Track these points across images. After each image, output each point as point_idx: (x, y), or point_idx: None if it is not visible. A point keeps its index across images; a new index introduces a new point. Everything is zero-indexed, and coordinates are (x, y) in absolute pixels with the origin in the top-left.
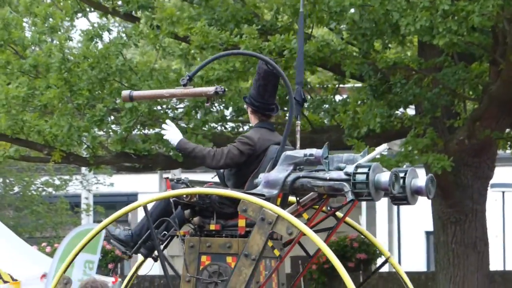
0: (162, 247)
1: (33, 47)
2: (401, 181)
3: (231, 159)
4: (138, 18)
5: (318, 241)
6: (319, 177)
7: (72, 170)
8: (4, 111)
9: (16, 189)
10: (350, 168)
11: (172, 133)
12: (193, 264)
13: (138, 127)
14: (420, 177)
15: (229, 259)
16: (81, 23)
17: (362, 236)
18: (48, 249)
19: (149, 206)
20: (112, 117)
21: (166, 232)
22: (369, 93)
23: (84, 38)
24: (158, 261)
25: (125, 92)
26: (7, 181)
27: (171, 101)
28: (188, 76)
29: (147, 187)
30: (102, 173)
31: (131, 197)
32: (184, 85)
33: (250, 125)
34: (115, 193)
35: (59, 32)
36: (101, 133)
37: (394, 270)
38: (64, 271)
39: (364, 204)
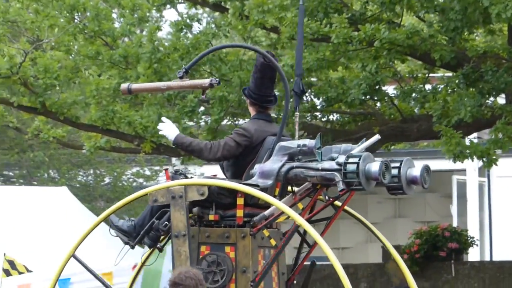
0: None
1: (123, 38)
2: (396, 170)
3: (228, 151)
4: (227, 8)
5: (312, 232)
6: (311, 167)
7: (162, 160)
8: (95, 102)
9: (107, 180)
10: (341, 158)
11: (168, 129)
12: (193, 254)
13: (228, 117)
14: (416, 167)
15: (227, 248)
16: (170, 14)
17: (454, 226)
18: None
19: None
20: (202, 108)
21: (167, 223)
22: (461, 81)
23: (173, 28)
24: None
25: (124, 85)
26: (98, 172)
27: None
28: (185, 69)
29: None
30: (192, 164)
31: None
32: (181, 78)
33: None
34: None
35: (148, 24)
36: (191, 123)
37: (486, 259)
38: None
39: (455, 193)
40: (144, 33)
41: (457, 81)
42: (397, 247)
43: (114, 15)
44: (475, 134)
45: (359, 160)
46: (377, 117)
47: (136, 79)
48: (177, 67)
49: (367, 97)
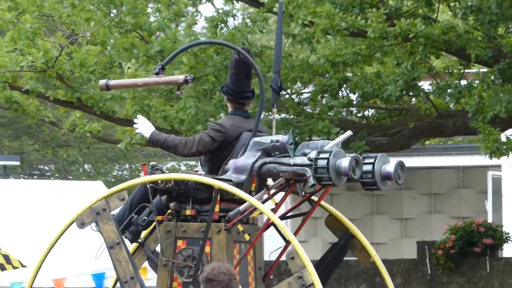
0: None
1: (158, 33)
2: (370, 166)
3: (203, 146)
4: (263, 3)
5: (282, 227)
6: (283, 162)
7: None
8: (130, 97)
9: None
10: (313, 154)
11: (143, 127)
12: (169, 249)
13: (265, 112)
14: (391, 163)
15: (213, 243)
16: (205, 9)
17: (489, 221)
18: None
19: None
20: None
21: (146, 218)
22: (497, 77)
23: (209, 24)
24: None
25: (101, 82)
26: (133, 166)
27: (296, 86)
28: (161, 65)
29: None
30: None
31: None
32: (157, 74)
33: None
34: None
35: (183, 18)
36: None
37: None
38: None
39: (490, 189)
40: (179, 28)
41: (492, 77)
42: (432, 243)
43: (149, 9)
44: (510, 130)
45: (330, 155)
46: (412, 112)
47: (172, 73)
48: (213, 63)
49: (403, 93)
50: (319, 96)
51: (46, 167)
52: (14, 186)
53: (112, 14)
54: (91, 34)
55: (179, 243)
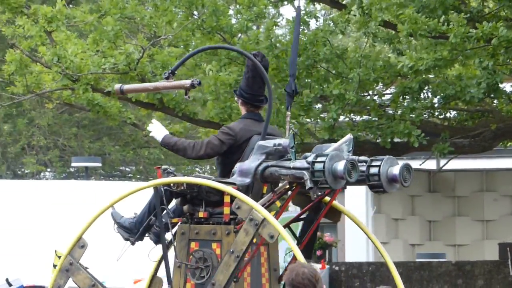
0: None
1: (240, 34)
2: (376, 169)
3: (211, 149)
4: (345, 5)
5: (278, 227)
6: (284, 166)
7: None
8: (212, 98)
9: None
10: (311, 157)
11: (156, 130)
12: (183, 251)
13: (346, 114)
14: (398, 165)
15: (214, 245)
16: (287, 11)
17: None
18: None
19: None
20: (320, 105)
21: (164, 220)
22: None
23: (291, 25)
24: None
25: (117, 86)
26: (214, 168)
27: (377, 87)
28: (171, 70)
29: None
30: None
31: None
32: (167, 78)
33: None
34: None
35: (265, 20)
36: (308, 120)
37: None
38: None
39: None
40: (261, 29)
41: None
42: None
43: (230, 11)
44: None
45: (326, 159)
46: (494, 114)
47: None
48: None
49: (486, 95)
50: (400, 97)
51: (127, 168)
52: (96, 187)
53: (194, 16)
54: (173, 36)
55: (192, 245)
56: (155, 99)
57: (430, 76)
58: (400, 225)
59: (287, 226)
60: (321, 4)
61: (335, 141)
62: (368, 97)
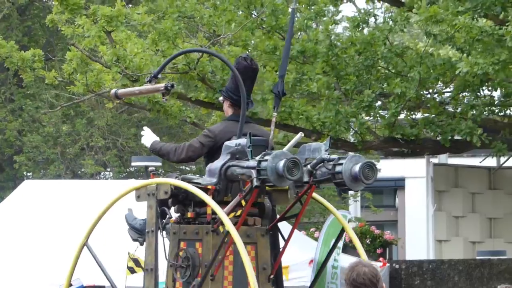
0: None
1: (300, 33)
2: (340, 167)
3: (192, 152)
4: (403, 2)
5: (229, 226)
6: (240, 165)
7: (339, 155)
8: (271, 98)
9: None
10: (259, 156)
11: (146, 137)
12: (174, 250)
13: (406, 111)
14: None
15: (197, 244)
16: (347, 9)
17: None
18: (316, 234)
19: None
20: (380, 103)
21: (163, 221)
22: None
23: (350, 24)
24: None
25: (112, 91)
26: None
27: (438, 85)
28: (153, 74)
29: (414, 172)
30: (369, 158)
31: (398, 182)
32: (149, 82)
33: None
34: (383, 178)
35: (324, 18)
36: (368, 118)
37: None
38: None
39: None
40: (320, 28)
41: None
42: None
43: (290, 10)
44: None
45: (269, 157)
46: None
47: (313, 75)
48: (354, 63)
49: None
50: (460, 94)
51: (187, 168)
52: None
53: (253, 15)
54: (232, 36)
55: (182, 244)
56: (214, 99)
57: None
58: (461, 222)
59: (274, 225)
60: (381, 2)
61: (395, 139)
62: (428, 95)
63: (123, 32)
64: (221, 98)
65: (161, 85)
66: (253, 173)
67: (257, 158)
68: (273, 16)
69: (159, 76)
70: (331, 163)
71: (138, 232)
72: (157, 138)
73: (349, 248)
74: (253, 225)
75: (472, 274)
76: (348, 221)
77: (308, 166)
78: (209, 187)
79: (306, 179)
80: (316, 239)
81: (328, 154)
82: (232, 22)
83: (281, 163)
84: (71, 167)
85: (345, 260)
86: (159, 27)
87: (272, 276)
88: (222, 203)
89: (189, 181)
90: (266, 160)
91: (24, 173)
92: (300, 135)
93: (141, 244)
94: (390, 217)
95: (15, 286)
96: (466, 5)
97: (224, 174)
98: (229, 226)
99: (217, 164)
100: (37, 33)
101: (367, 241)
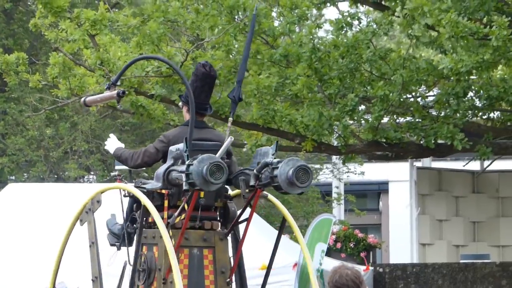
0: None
1: (283, 37)
2: (277, 170)
3: (148, 157)
4: (388, 7)
5: (162, 230)
6: (177, 169)
7: (322, 159)
8: (255, 101)
9: None
10: (189, 160)
11: (110, 144)
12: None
13: (389, 115)
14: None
15: (154, 248)
16: (329, 12)
17: None
18: None
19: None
20: (363, 107)
21: (134, 225)
22: None
23: (334, 27)
24: None
25: (82, 99)
26: None
27: (421, 89)
28: (112, 81)
29: (398, 176)
30: (353, 162)
31: (382, 185)
32: (108, 89)
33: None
34: (366, 182)
35: (307, 22)
36: (352, 122)
37: None
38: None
39: None
40: (304, 31)
41: None
42: None
43: (273, 14)
44: None
45: (195, 161)
46: None
47: (295, 78)
48: (337, 66)
49: None
50: (444, 99)
51: None
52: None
53: (236, 20)
54: (215, 40)
55: (143, 248)
56: None
57: (473, 77)
58: (444, 226)
59: (232, 228)
60: (364, 6)
61: (379, 143)
62: (412, 99)
63: (107, 35)
64: (180, 104)
65: (114, 92)
66: (183, 177)
67: (187, 162)
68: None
69: (118, 82)
70: (272, 166)
71: (116, 236)
72: (121, 145)
73: (332, 252)
74: (210, 229)
75: (456, 277)
76: (333, 224)
77: (254, 170)
78: (163, 191)
79: (252, 182)
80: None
81: (274, 157)
82: (215, 27)
83: (204, 167)
84: (55, 170)
85: (329, 264)
86: (144, 30)
87: (228, 280)
88: (210, 208)
89: (139, 186)
90: (192, 165)
91: (8, 176)
92: (230, 139)
93: (118, 249)
94: (373, 221)
95: None
96: (449, 3)
97: (166, 178)
98: (162, 230)
99: (161, 169)
100: (21, 37)
101: (351, 245)
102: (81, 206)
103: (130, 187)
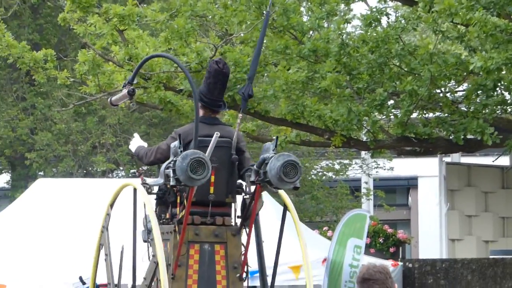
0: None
1: (311, 32)
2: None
3: (161, 154)
4: (416, 1)
5: (154, 225)
6: (170, 166)
7: (351, 154)
8: (284, 96)
9: None
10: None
11: (133, 143)
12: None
13: (418, 110)
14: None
15: (168, 244)
16: (358, 7)
17: None
18: (329, 233)
19: None
20: (392, 101)
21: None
22: None
23: (362, 22)
24: None
25: (109, 99)
26: None
27: (450, 84)
28: (128, 80)
29: (427, 171)
30: (381, 157)
31: (411, 180)
32: (124, 87)
33: None
34: (395, 177)
35: (336, 17)
36: (381, 117)
37: None
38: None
39: None
40: (332, 27)
41: None
42: None
43: (302, 9)
44: None
45: (180, 157)
46: None
47: (324, 73)
48: (367, 61)
49: None
50: (473, 94)
51: None
52: None
53: (264, 14)
54: (244, 35)
55: (167, 244)
56: (226, 97)
57: (503, 72)
58: (474, 221)
59: (243, 223)
60: (393, 1)
61: (408, 138)
62: (441, 94)
63: (136, 31)
64: None
65: (124, 90)
66: (170, 173)
67: (174, 158)
68: (284, 16)
69: (134, 80)
70: (265, 162)
71: (150, 233)
72: (144, 144)
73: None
74: (222, 225)
75: (486, 273)
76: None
77: (254, 166)
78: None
79: (252, 178)
80: (329, 238)
81: (274, 153)
82: (244, 22)
83: (185, 163)
84: (83, 165)
85: (365, 260)
86: (172, 25)
87: (238, 275)
88: (194, 204)
89: (144, 182)
90: (176, 161)
91: (36, 171)
92: (216, 135)
93: (151, 245)
94: (403, 216)
95: (28, 285)
96: (480, 1)
97: (163, 174)
98: (154, 225)
99: (163, 165)
100: (49, 32)
101: (380, 240)
102: (99, 231)
103: (136, 183)
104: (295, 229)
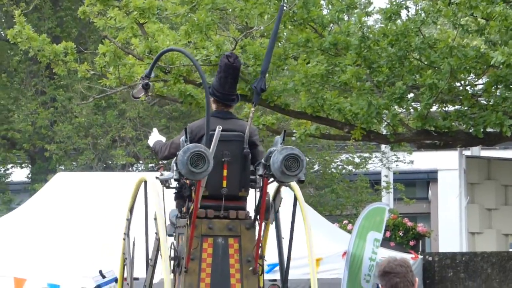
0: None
1: (331, 25)
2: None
3: (174, 148)
4: None
5: (160, 224)
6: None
7: (371, 147)
8: (304, 89)
9: (316, 167)
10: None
11: (151, 138)
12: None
13: (438, 104)
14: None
15: (184, 238)
16: (377, 1)
17: None
18: (349, 226)
19: None
20: (412, 95)
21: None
22: None
23: (382, 16)
24: None
25: (131, 92)
26: (307, 159)
27: (470, 77)
28: (145, 73)
29: (447, 164)
30: (401, 151)
31: (431, 174)
32: (143, 79)
33: None
34: (415, 171)
35: (356, 10)
36: (401, 110)
37: None
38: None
39: None
40: (352, 20)
41: None
42: None
43: (322, 2)
44: None
45: (181, 151)
46: None
47: (344, 66)
48: (387, 54)
49: None
50: (493, 87)
51: None
52: None
53: (285, 8)
54: (264, 28)
55: (182, 238)
56: (247, 90)
57: None
58: (494, 215)
59: (256, 217)
60: None
61: (428, 131)
62: (461, 87)
63: (156, 24)
64: None
65: (140, 85)
66: (174, 166)
67: (178, 152)
68: (304, 9)
69: (152, 74)
70: (270, 155)
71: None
72: (162, 139)
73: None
74: (235, 219)
75: (506, 266)
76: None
77: (263, 160)
78: (187, 182)
79: (260, 172)
80: (349, 231)
81: (282, 146)
82: (264, 14)
83: (186, 157)
84: (103, 158)
85: (383, 254)
86: (192, 18)
87: (252, 269)
88: (207, 198)
89: (157, 177)
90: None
91: (56, 165)
92: (218, 129)
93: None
94: (422, 209)
95: (48, 278)
96: (501, 1)
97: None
98: (159, 218)
99: (174, 159)
100: (69, 25)
101: (400, 233)
102: (122, 242)
103: (148, 176)
104: (314, 222)
